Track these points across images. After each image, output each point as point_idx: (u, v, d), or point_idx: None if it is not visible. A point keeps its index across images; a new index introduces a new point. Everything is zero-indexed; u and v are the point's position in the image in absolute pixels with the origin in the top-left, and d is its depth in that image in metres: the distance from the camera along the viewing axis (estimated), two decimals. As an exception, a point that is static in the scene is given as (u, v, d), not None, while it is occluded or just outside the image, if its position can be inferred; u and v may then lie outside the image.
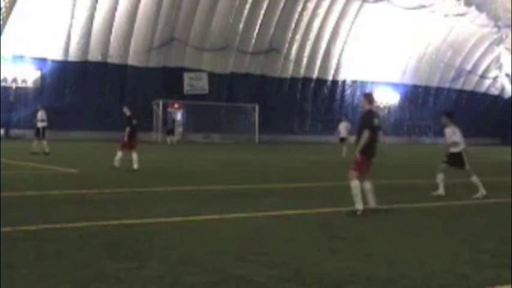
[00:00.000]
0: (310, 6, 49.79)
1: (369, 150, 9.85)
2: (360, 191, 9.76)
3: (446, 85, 61.44)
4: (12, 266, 5.82)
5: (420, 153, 35.23)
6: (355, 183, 9.82)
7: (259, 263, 6.24)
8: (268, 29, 49.13)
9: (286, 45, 50.93)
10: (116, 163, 17.06)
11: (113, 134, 42.62)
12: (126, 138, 17.42)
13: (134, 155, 17.04)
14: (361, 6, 51.15)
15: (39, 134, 23.92)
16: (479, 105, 62.08)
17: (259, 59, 49.67)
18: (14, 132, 39.62)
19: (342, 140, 28.47)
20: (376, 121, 9.96)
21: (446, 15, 53.91)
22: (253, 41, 48.99)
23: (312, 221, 9.22)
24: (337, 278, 5.69)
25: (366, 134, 9.68)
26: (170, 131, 43.48)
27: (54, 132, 40.44)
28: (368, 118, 9.93)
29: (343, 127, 28.68)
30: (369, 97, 10.43)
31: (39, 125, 23.98)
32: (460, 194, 13.52)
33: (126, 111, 17.73)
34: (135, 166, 16.78)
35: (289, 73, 52.00)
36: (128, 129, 17.38)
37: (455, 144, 12.73)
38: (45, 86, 42.38)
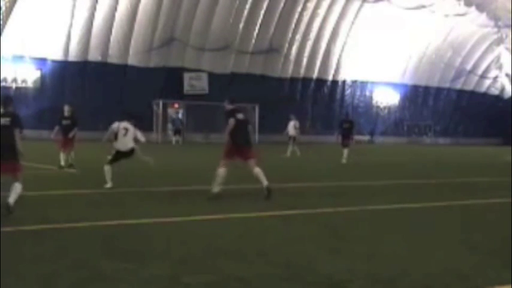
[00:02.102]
0: (310, 6, 49.80)
1: (236, 139, 11.38)
2: (222, 178, 11.22)
3: (446, 85, 61.43)
4: (12, 266, 5.82)
5: (420, 153, 35.20)
6: (220, 171, 11.29)
7: (259, 263, 6.24)
8: (268, 29, 49.13)
9: (286, 45, 50.94)
10: (62, 162, 17.49)
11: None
12: (57, 137, 17.87)
13: (63, 155, 17.47)
14: (361, 6, 51.16)
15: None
16: (479, 105, 62.07)
17: (259, 59, 49.67)
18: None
19: (290, 138, 28.12)
20: (240, 115, 11.58)
21: (446, 15, 53.91)
22: (253, 41, 49.00)
23: (312, 221, 9.22)
24: (337, 278, 5.69)
25: (231, 123, 11.34)
26: (178, 131, 43.45)
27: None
28: (231, 112, 11.60)
29: (291, 126, 28.47)
30: (231, 99, 12.05)
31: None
32: (460, 194, 13.54)
33: (66, 110, 18.13)
34: (62, 163, 17.39)
35: (289, 73, 52.01)
36: (56, 127, 17.86)
37: None
38: (45, 86, 42.39)
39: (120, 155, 12.85)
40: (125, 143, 12.83)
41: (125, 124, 12.96)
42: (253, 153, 11.73)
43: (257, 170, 11.50)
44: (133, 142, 12.96)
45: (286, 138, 28.57)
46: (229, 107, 11.92)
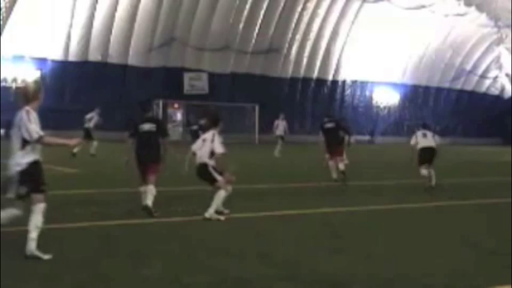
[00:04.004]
0: (310, 6, 49.76)
1: (139, 153, 9.59)
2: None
3: (446, 85, 61.38)
4: (12, 266, 5.82)
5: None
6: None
7: (259, 263, 6.25)
8: (268, 29, 49.10)
9: (286, 45, 50.91)
10: None
11: (113, 134, 42.67)
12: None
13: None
14: (361, 6, 51.13)
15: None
16: (479, 105, 62.05)
17: (259, 59, 49.65)
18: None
19: (277, 137, 27.84)
20: (145, 126, 9.64)
21: (446, 15, 53.86)
22: (253, 41, 48.98)
23: (312, 221, 9.22)
24: (337, 278, 5.69)
25: (129, 141, 9.78)
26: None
27: (54, 132, 40.60)
28: (134, 125, 9.78)
29: (281, 125, 28.30)
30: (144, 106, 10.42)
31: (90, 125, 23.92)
32: (460, 194, 13.54)
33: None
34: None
35: (289, 73, 52.00)
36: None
37: None
38: (45, 86, 42.30)
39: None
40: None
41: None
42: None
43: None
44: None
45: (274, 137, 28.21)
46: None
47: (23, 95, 6.75)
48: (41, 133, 6.47)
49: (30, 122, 6.50)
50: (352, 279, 5.64)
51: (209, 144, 9.62)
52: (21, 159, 6.46)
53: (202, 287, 5.38)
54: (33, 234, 6.29)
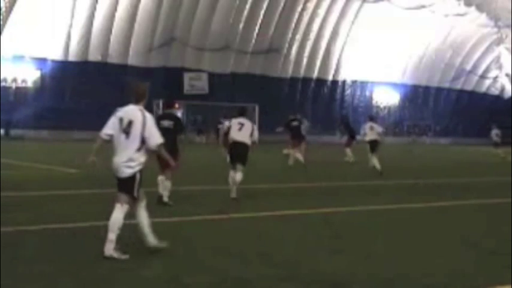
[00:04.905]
0: (310, 6, 49.76)
1: None
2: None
3: (446, 85, 61.39)
4: (12, 266, 5.82)
5: (420, 153, 35.19)
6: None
7: (259, 263, 6.25)
8: (268, 29, 49.10)
9: (286, 45, 50.91)
10: None
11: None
12: None
13: None
14: (361, 6, 51.13)
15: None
16: (479, 105, 62.04)
17: (259, 59, 49.65)
18: (14, 132, 39.61)
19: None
20: (164, 123, 10.13)
21: (446, 15, 53.86)
22: (253, 41, 48.98)
23: (312, 221, 9.22)
24: (337, 278, 5.69)
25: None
26: (200, 132, 44.32)
27: (54, 132, 40.62)
28: None
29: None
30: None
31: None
32: (460, 194, 13.54)
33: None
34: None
35: (289, 73, 51.99)
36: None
37: None
38: (45, 86, 42.35)
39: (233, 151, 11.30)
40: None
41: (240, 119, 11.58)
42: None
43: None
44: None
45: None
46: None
47: (134, 94, 6.79)
48: (162, 140, 6.67)
49: (154, 125, 6.64)
50: (352, 279, 5.64)
51: (249, 128, 11.29)
52: (142, 159, 6.56)
53: (202, 287, 5.38)
54: (146, 229, 6.53)
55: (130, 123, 6.49)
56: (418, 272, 5.99)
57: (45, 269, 5.77)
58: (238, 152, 11.13)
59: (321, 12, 50.51)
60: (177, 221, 8.90)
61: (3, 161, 18.20)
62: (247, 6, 47.03)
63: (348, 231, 8.36)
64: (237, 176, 11.04)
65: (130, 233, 7.87)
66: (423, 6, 51.66)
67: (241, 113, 11.76)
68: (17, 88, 41.22)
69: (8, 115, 39.63)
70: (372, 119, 19.29)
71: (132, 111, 6.58)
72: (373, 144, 17.88)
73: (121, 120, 6.56)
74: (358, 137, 23.72)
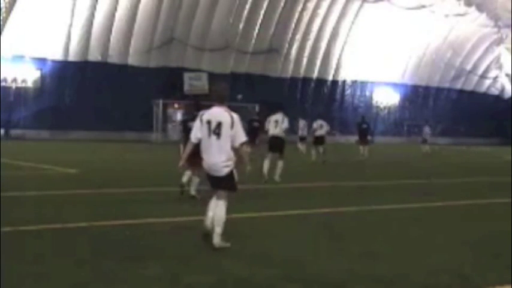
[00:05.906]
0: (310, 6, 49.75)
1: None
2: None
3: (446, 85, 61.37)
4: (12, 266, 5.82)
5: (420, 153, 35.15)
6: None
7: (259, 263, 6.25)
8: (268, 29, 49.08)
9: (286, 45, 50.91)
10: None
11: (113, 134, 42.66)
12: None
13: None
14: (361, 6, 51.11)
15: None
16: (479, 105, 62.03)
17: (259, 59, 49.64)
18: (14, 132, 39.61)
19: (303, 139, 30.03)
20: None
21: (446, 15, 53.85)
22: (253, 41, 48.98)
23: (312, 221, 9.22)
24: (337, 278, 5.69)
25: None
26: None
27: (54, 132, 40.60)
28: (184, 122, 11.52)
29: (302, 125, 29.93)
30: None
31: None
32: (460, 194, 13.54)
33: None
34: None
35: (289, 73, 51.98)
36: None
37: None
38: (45, 86, 42.34)
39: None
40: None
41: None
42: None
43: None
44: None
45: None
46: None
47: (217, 96, 7.16)
48: (246, 138, 7.10)
49: (240, 125, 7.01)
50: (352, 279, 5.65)
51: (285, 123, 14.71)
52: (234, 157, 6.98)
53: (202, 287, 5.38)
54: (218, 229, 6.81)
55: (219, 124, 6.86)
56: (418, 272, 5.99)
57: (45, 269, 5.77)
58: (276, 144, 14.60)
59: (321, 12, 50.50)
60: (177, 221, 8.90)
61: (3, 161, 18.20)
62: (247, 6, 47.02)
63: (348, 231, 8.36)
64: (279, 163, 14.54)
65: (130, 233, 7.87)
66: (423, 6, 51.65)
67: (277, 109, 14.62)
68: (17, 88, 41.19)
69: (8, 115, 39.64)
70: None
71: (219, 113, 6.93)
72: (319, 140, 23.73)
73: (209, 122, 6.89)
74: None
